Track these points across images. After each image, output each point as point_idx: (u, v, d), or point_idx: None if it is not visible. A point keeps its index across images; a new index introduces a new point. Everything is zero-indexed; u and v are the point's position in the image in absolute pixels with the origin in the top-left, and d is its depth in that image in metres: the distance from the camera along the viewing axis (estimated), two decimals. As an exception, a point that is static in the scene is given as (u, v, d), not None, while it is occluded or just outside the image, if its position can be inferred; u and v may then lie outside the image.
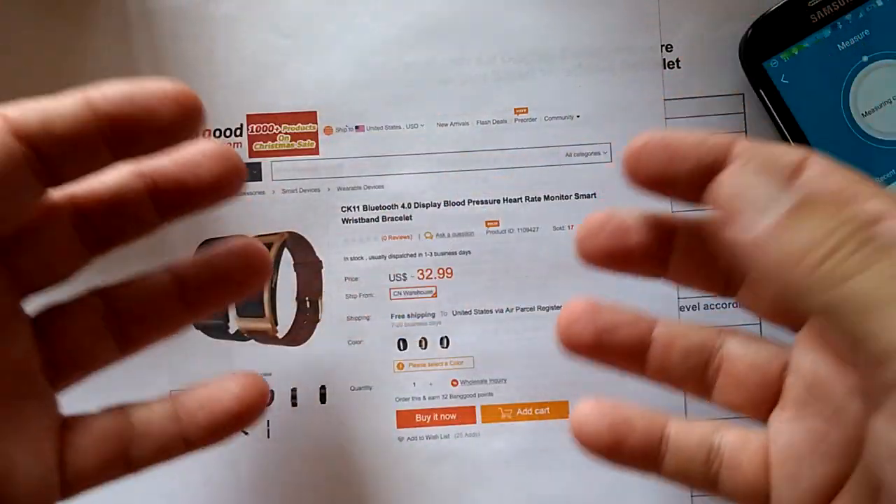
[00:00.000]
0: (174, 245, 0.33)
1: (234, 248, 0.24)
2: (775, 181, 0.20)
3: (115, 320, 0.24)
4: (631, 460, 0.24)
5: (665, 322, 0.24)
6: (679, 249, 0.24)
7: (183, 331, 0.25)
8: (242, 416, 0.24)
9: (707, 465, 0.24)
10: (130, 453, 0.24)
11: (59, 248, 0.23)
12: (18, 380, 0.22)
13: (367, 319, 0.33)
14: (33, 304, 0.24)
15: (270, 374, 0.33)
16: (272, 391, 0.33)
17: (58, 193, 0.23)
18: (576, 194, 0.33)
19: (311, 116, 0.33)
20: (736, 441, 0.24)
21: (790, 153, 0.22)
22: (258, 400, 0.24)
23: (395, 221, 0.33)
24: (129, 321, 0.24)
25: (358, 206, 0.33)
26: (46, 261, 0.23)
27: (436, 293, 0.33)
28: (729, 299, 0.25)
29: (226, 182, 0.23)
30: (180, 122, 0.21)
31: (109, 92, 0.21)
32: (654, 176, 0.22)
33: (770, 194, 0.20)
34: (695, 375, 0.24)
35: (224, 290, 0.24)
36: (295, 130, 0.33)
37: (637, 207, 0.24)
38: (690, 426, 0.24)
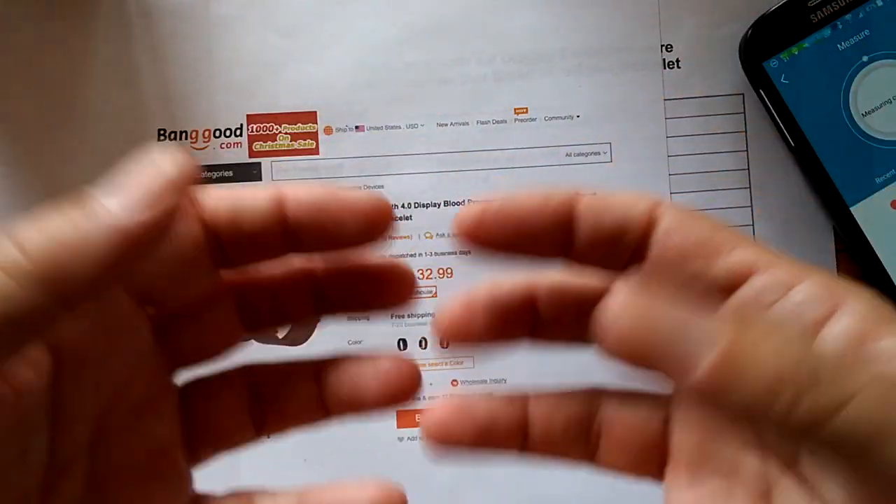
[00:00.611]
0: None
1: (379, 364, 0.23)
2: (679, 297, 0.18)
3: (255, 403, 0.23)
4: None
5: (536, 395, 0.23)
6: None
7: (321, 427, 0.24)
8: None
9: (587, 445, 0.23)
10: None
11: (220, 326, 0.22)
12: (160, 458, 0.22)
13: (367, 319, 0.33)
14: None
15: (270, 374, 0.33)
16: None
17: (226, 273, 0.22)
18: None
19: (311, 116, 0.33)
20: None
21: (639, 204, 0.20)
22: None
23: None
24: (269, 407, 0.23)
25: (358, 206, 0.33)
26: (206, 339, 0.22)
27: (436, 293, 0.33)
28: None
29: (389, 295, 0.23)
30: (367, 234, 0.20)
31: (303, 195, 0.20)
32: (501, 246, 0.21)
33: (692, 337, 0.17)
34: (578, 445, 0.23)
35: (361, 401, 0.23)
36: (295, 130, 0.33)
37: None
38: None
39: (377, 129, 0.33)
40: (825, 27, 0.31)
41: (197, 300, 0.22)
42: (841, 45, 0.31)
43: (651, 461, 0.23)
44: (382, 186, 0.33)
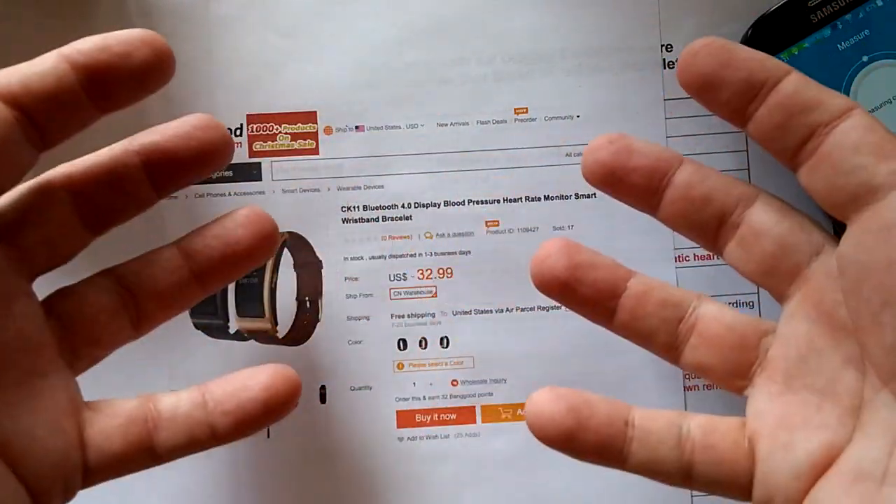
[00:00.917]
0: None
1: (239, 217, 0.25)
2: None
3: (129, 298, 0.24)
4: (594, 447, 0.23)
5: (641, 275, 0.24)
6: (676, 185, 0.24)
7: (195, 304, 0.25)
8: (271, 407, 0.24)
9: (678, 451, 0.23)
10: (156, 440, 0.24)
11: (60, 227, 0.23)
12: (33, 356, 0.23)
13: (367, 319, 0.33)
14: (43, 289, 0.24)
15: (270, 374, 0.33)
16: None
17: (55, 174, 0.23)
18: (576, 194, 0.33)
19: (311, 116, 0.33)
20: (705, 423, 0.23)
21: (837, 100, 0.22)
22: (288, 392, 0.24)
23: (395, 221, 0.33)
24: (142, 298, 0.24)
25: (358, 206, 0.33)
26: (49, 241, 0.23)
27: (436, 293, 0.33)
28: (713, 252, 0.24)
29: (214, 150, 0.24)
30: (153, 64, 0.22)
31: (82, 45, 0.22)
32: (703, 77, 0.22)
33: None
34: (667, 329, 0.24)
35: (234, 260, 0.25)
36: (295, 130, 0.33)
37: (649, 142, 0.24)
38: (654, 412, 0.24)
39: (377, 129, 0.33)
40: (825, 27, 0.31)
41: (30, 203, 0.23)
42: (841, 45, 0.31)
43: (737, 366, 0.23)
44: (382, 186, 0.33)
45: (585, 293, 0.24)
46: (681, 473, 0.23)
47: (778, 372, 0.23)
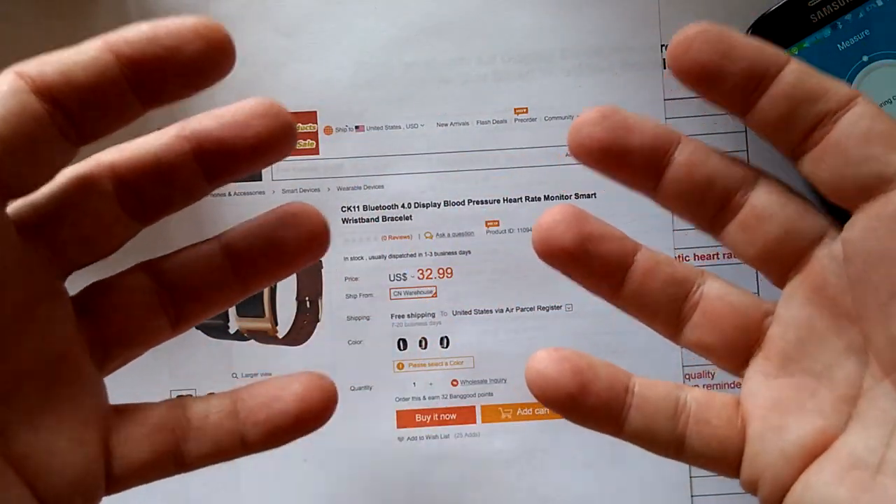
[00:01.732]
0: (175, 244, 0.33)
1: (285, 214, 0.23)
2: None
3: (167, 295, 0.22)
4: (595, 412, 0.22)
5: (649, 249, 0.23)
6: (677, 166, 0.22)
7: (236, 303, 0.23)
8: (304, 419, 0.23)
9: (673, 422, 0.23)
10: (184, 448, 0.22)
11: (101, 220, 0.21)
12: (59, 365, 0.21)
13: (367, 319, 0.33)
14: (79, 283, 0.23)
15: (270, 374, 0.33)
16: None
17: (98, 162, 0.21)
18: (576, 194, 0.33)
19: (311, 116, 0.33)
20: (701, 398, 0.23)
21: (841, 89, 0.21)
22: (323, 403, 0.23)
23: (395, 221, 0.33)
24: (182, 296, 0.22)
25: (358, 206, 0.33)
26: (88, 235, 0.21)
27: (436, 293, 0.33)
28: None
29: (275, 141, 0.21)
30: (207, 56, 0.20)
31: (130, 34, 0.20)
32: (699, 67, 0.21)
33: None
34: (671, 307, 0.23)
35: (279, 259, 0.23)
36: (295, 130, 0.33)
37: (644, 115, 0.23)
38: (654, 382, 0.23)
39: (377, 129, 0.33)
40: (825, 27, 0.31)
41: (71, 194, 0.21)
42: (841, 45, 0.31)
43: (738, 346, 0.23)
44: (382, 186, 0.33)
45: (593, 266, 0.23)
46: (673, 444, 0.23)
47: (775, 353, 0.22)
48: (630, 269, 0.23)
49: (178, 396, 0.24)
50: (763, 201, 0.22)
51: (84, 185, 0.21)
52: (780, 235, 0.22)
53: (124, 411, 0.23)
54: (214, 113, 0.22)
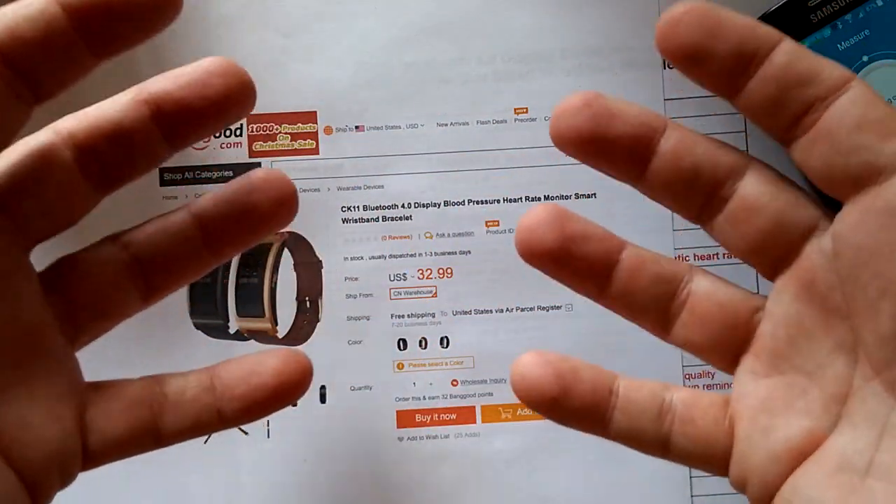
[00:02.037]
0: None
1: (255, 180, 0.23)
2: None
3: (136, 267, 0.22)
4: (578, 413, 0.22)
5: (635, 246, 0.23)
6: (662, 155, 0.21)
7: (206, 272, 0.23)
8: (281, 393, 0.23)
9: (658, 422, 0.22)
10: (161, 423, 0.23)
11: (63, 190, 0.21)
12: (29, 339, 0.21)
13: (367, 319, 0.33)
14: (47, 257, 0.23)
15: (270, 374, 0.33)
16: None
17: (56, 131, 0.21)
18: (576, 194, 0.33)
19: (311, 116, 0.33)
20: (688, 398, 0.23)
21: (833, 69, 0.20)
22: (299, 377, 0.23)
23: (395, 221, 0.33)
24: (151, 267, 0.22)
25: (358, 206, 0.33)
26: (50, 205, 0.21)
27: (436, 293, 0.33)
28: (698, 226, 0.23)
29: (234, 99, 0.21)
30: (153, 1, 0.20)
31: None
32: (688, 46, 0.20)
33: None
34: (658, 305, 0.22)
35: (249, 226, 0.23)
36: (295, 130, 0.33)
37: (626, 100, 0.22)
38: (640, 382, 0.23)
39: (377, 129, 0.33)
40: (825, 27, 0.31)
41: (29, 165, 0.20)
42: (841, 45, 0.31)
43: (727, 344, 0.22)
44: (382, 186, 0.33)
45: (577, 267, 0.22)
46: (658, 444, 0.22)
47: (765, 351, 0.22)
48: (616, 267, 0.22)
49: (153, 375, 0.24)
50: (753, 191, 0.21)
51: (43, 155, 0.21)
52: (770, 228, 0.21)
53: (100, 387, 0.23)
54: (172, 74, 0.21)
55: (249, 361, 0.23)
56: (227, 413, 0.23)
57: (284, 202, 0.23)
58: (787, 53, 0.20)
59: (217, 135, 0.33)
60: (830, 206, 0.21)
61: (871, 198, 0.20)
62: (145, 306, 0.23)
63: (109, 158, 0.21)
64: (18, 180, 0.21)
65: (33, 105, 0.20)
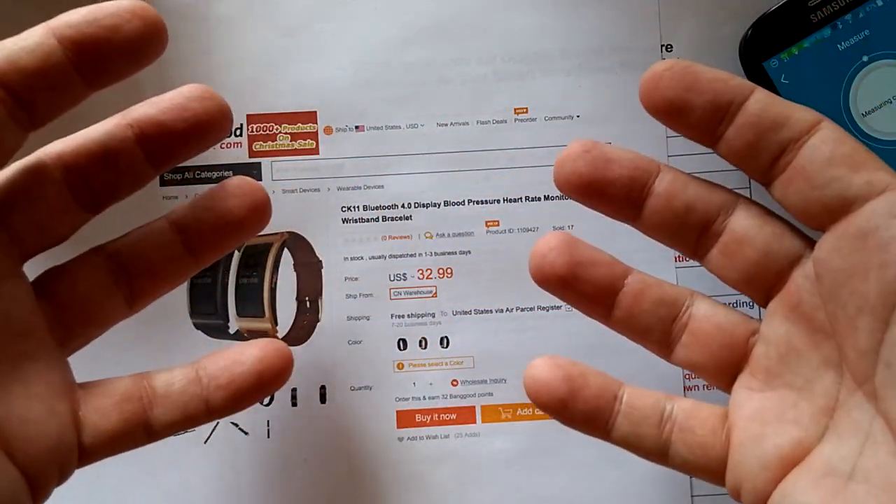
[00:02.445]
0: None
1: (230, 188, 0.24)
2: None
3: (121, 275, 0.24)
4: (583, 416, 0.24)
5: (639, 272, 0.25)
6: (657, 195, 0.24)
7: (188, 278, 0.25)
8: (265, 380, 0.24)
9: (659, 429, 0.24)
10: (151, 416, 0.24)
11: (52, 208, 0.23)
12: (23, 340, 0.22)
13: (367, 319, 0.33)
14: (35, 269, 0.24)
15: (270, 374, 0.33)
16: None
17: (46, 152, 0.23)
18: (576, 194, 0.33)
19: (311, 116, 0.33)
20: (688, 408, 0.24)
21: (804, 115, 0.22)
22: (280, 365, 0.25)
23: (395, 221, 0.33)
24: (136, 275, 0.24)
25: (358, 206, 0.33)
26: (41, 223, 0.23)
27: (436, 293, 0.33)
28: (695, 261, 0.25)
29: (212, 122, 0.23)
30: (145, 36, 0.21)
31: (70, 18, 0.21)
32: (668, 102, 0.22)
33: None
34: (661, 328, 0.24)
35: (227, 231, 0.24)
36: (295, 130, 0.33)
37: (623, 147, 0.24)
38: (643, 391, 0.24)
39: (377, 129, 0.33)
40: (825, 27, 0.31)
41: (21, 184, 0.22)
42: (841, 45, 0.31)
43: (725, 364, 0.24)
44: (382, 186, 0.33)
45: (585, 290, 0.24)
46: (658, 451, 0.24)
47: (759, 370, 0.23)
48: (620, 292, 0.24)
49: (140, 373, 0.25)
50: (742, 225, 0.23)
51: (35, 174, 0.22)
52: (760, 258, 0.23)
53: (90, 385, 0.24)
54: (153, 100, 0.23)
55: (231, 352, 0.25)
56: (214, 403, 0.24)
57: (258, 207, 0.24)
58: (760, 102, 0.22)
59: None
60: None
61: (844, 225, 0.21)
62: (132, 312, 0.25)
63: (96, 178, 0.23)
64: (11, 196, 0.22)
65: (29, 130, 0.22)
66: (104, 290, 0.24)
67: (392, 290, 0.33)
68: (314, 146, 0.33)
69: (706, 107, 0.22)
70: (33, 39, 0.21)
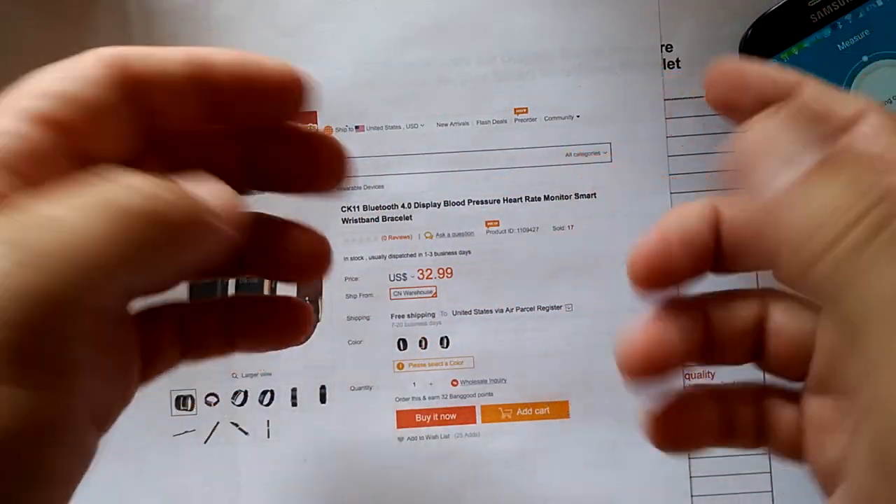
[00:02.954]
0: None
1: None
2: (808, 134, 0.18)
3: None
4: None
5: (712, 301, 0.23)
6: (725, 250, 0.22)
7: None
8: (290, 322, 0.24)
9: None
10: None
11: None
12: (123, 370, 0.22)
13: (367, 319, 0.33)
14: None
15: (270, 374, 0.33)
16: (271, 391, 0.33)
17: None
18: (576, 194, 0.33)
19: (311, 116, 0.33)
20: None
21: (848, 104, 0.21)
22: (303, 310, 0.25)
23: (395, 221, 0.33)
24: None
25: (358, 206, 0.33)
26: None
27: (436, 293, 0.33)
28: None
29: (321, 166, 0.24)
30: (284, 103, 0.22)
31: (222, 56, 0.21)
32: (720, 99, 0.22)
33: (795, 148, 0.18)
34: (751, 352, 0.23)
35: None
36: (295, 130, 0.33)
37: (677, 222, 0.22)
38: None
39: (377, 129, 0.33)
40: (825, 27, 0.31)
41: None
42: (841, 45, 0.31)
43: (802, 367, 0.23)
44: (382, 186, 0.33)
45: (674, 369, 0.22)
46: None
47: (815, 375, 0.22)
48: (711, 337, 0.23)
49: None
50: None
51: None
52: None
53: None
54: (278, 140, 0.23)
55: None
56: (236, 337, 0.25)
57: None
58: (812, 91, 0.21)
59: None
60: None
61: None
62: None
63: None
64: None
65: (141, 135, 0.21)
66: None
67: (392, 290, 0.33)
68: (314, 146, 0.33)
69: (753, 104, 0.21)
70: (180, 65, 0.20)
